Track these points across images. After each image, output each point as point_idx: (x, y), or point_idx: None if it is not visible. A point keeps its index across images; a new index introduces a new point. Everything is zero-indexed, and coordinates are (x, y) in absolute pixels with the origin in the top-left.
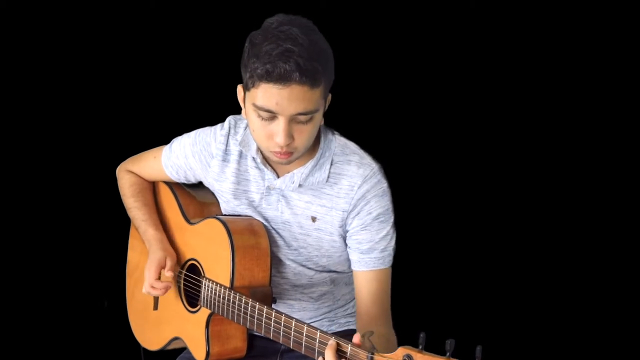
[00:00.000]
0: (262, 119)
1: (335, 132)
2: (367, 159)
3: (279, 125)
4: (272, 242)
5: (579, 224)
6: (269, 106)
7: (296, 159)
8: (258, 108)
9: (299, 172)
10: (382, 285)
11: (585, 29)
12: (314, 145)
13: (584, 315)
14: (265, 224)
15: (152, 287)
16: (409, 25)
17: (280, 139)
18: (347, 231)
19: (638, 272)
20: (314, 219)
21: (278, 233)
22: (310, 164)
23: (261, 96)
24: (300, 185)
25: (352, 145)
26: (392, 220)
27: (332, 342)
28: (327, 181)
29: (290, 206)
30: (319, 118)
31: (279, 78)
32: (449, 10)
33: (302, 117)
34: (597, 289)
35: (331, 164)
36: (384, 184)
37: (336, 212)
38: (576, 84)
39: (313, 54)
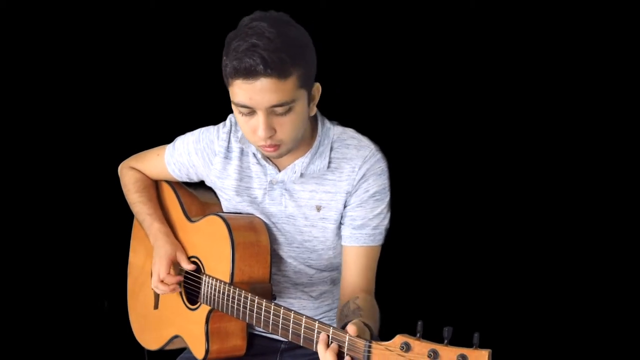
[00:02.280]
0: (243, 114)
1: (334, 122)
2: (365, 141)
3: (258, 119)
4: (274, 240)
5: (574, 218)
6: (244, 101)
7: (288, 152)
8: (236, 105)
9: (299, 162)
10: (370, 262)
11: (585, 29)
12: (312, 134)
13: (579, 305)
14: (268, 221)
15: (163, 282)
16: (408, 24)
17: (260, 132)
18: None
19: (637, 272)
20: (318, 208)
21: (281, 229)
22: (309, 152)
23: (236, 92)
24: (302, 175)
25: (350, 131)
26: (387, 199)
27: (322, 335)
28: (328, 168)
29: (294, 199)
30: (300, 109)
31: (246, 73)
32: (449, 9)
33: (279, 109)
34: (591, 281)
35: (331, 150)
36: (383, 163)
37: (340, 197)
38: (576, 84)
39: (279, 46)
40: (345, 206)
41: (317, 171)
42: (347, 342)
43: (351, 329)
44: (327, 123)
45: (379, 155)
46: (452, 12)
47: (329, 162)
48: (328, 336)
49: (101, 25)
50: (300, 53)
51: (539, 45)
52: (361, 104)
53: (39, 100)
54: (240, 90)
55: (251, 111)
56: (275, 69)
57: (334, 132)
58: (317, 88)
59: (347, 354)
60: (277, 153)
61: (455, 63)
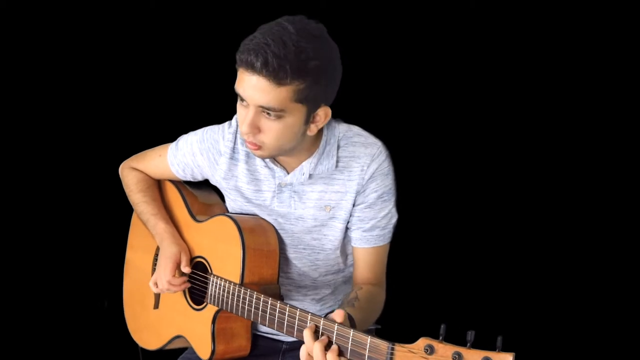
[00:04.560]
0: (240, 102)
1: (338, 119)
2: (372, 138)
3: (247, 112)
4: (281, 241)
5: (591, 221)
6: (239, 90)
7: (271, 156)
8: (236, 90)
9: (307, 163)
10: (379, 258)
11: (585, 29)
12: (318, 134)
13: (602, 309)
14: (275, 223)
15: (170, 283)
16: (408, 24)
17: (244, 125)
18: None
19: (638, 272)
20: (328, 208)
21: (288, 231)
22: (317, 153)
23: (238, 79)
24: (310, 176)
25: (355, 128)
26: (394, 199)
27: (311, 324)
28: (336, 167)
29: (303, 200)
30: (291, 122)
31: (247, 65)
32: (449, 10)
33: (267, 112)
34: (610, 283)
35: (338, 149)
36: (389, 163)
37: (350, 196)
38: (576, 84)
39: (290, 56)
40: (353, 205)
41: (325, 171)
42: (368, 343)
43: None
44: (332, 121)
45: (385, 154)
46: (452, 12)
47: (337, 162)
48: (316, 325)
49: (103, 24)
50: (310, 72)
51: (539, 45)
52: (362, 104)
53: (39, 100)
54: (240, 79)
55: (246, 103)
56: (271, 73)
57: (340, 130)
58: (325, 112)
59: (368, 354)
60: (258, 153)
61: (456, 63)
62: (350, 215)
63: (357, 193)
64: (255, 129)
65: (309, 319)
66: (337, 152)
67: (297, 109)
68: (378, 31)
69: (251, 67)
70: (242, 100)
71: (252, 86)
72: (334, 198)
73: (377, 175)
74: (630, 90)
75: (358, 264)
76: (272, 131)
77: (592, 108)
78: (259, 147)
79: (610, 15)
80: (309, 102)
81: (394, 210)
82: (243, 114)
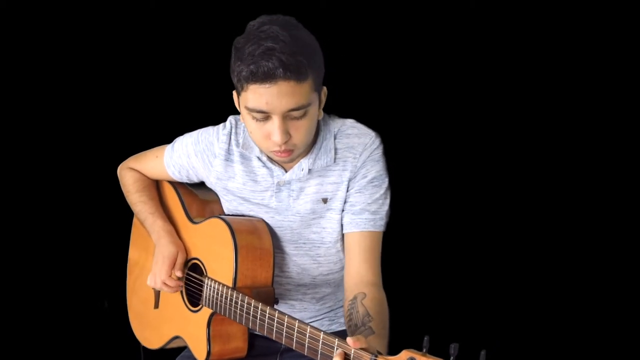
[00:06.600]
0: (257, 120)
1: (332, 115)
2: (366, 129)
3: (274, 124)
4: (281, 238)
5: (586, 222)
6: (260, 106)
7: (298, 156)
8: (250, 110)
9: (306, 161)
10: (372, 248)
11: (585, 29)
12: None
13: (586, 319)
14: (274, 220)
15: (165, 284)
16: (408, 24)
17: (276, 137)
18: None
19: (638, 272)
20: (325, 200)
21: (287, 227)
22: (315, 149)
23: (251, 98)
24: (309, 171)
25: (349, 121)
26: (385, 185)
27: (340, 351)
28: (334, 161)
29: (301, 196)
30: (314, 112)
31: (264, 77)
32: (449, 9)
33: (296, 113)
34: (599, 287)
35: (334, 141)
36: (380, 150)
37: (344, 185)
38: (576, 84)
39: (295, 49)
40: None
41: (324, 165)
42: (352, 354)
43: (351, 341)
44: (327, 117)
45: (377, 142)
46: (452, 12)
47: (335, 153)
48: (345, 353)
49: (100, 25)
50: (314, 57)
51: (539, 45)
52: (361, 104)
53: (38, 100)
54: (256, 95)
55: (266, 116)
56: (294, 72)
57: (335, 125)
58: (324, 92)
59: None
60: (289, 158)
61: (455, 62)
62: (344, 203)
63: (350, 180)
64: (287, 135)
65: (296, 325)
66: (334, 146)
67: (315, 98)
68: (374, 29)
69: (270, 77)
70: (261, 113)
71: (275, 95)
72: (330, 189)
73: (368, 161)
74: (630, 90)
75: (350, 255)
76: (302, 129)
77: (592, 108)
78: (291, 152)
79: (610, 15)
80: (319, 86)
81: (384, 197)
82: (267, 127)
